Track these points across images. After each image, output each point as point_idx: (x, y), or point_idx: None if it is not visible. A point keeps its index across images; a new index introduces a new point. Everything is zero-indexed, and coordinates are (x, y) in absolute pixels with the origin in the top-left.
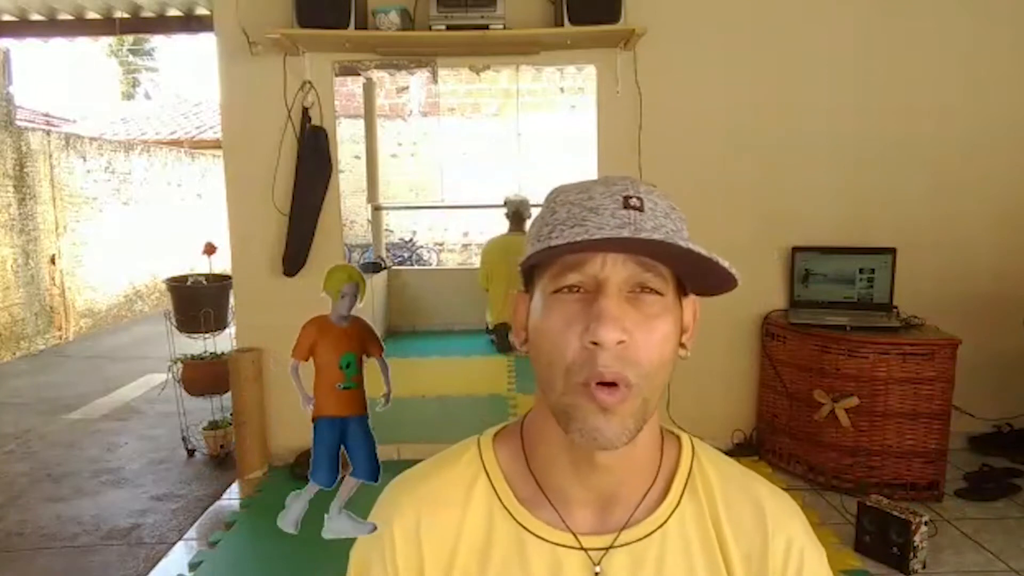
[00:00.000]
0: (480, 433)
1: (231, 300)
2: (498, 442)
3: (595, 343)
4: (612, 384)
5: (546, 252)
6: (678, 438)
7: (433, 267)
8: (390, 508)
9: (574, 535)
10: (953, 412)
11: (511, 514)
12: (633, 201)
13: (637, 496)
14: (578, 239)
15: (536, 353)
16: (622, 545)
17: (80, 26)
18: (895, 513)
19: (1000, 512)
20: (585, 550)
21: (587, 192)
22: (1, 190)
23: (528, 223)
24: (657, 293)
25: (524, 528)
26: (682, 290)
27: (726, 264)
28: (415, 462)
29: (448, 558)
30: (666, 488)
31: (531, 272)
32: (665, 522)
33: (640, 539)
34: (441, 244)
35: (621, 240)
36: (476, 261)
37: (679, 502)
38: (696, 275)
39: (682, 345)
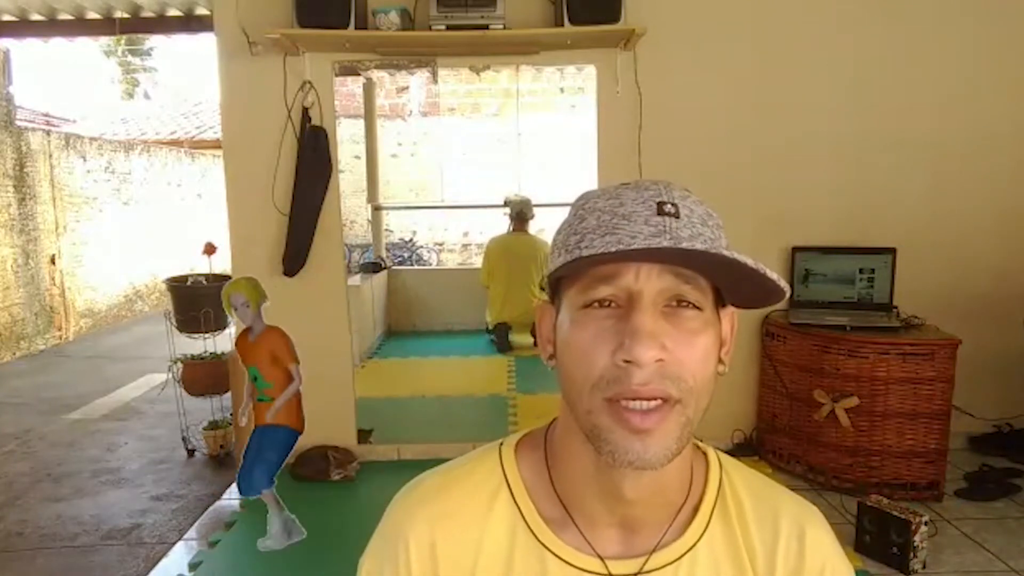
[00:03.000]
0: (498, 439)
1: None
2: (520, 452)
3: (628, 361)
4: (650, 401)
5: (576, 264)
6: (704, 454)
7: (433, 267)
8: (405, 522)
9: (601, 559)
10: (953, 412)
11: (535, 534)
12: (668, 207)
13: (666, 518)
14: (611, 249)
15: (562, 370)
16: (651, 571)
17: (80, 26)
18: (895, 513)
19: (1000, 512)
20: None
21: (617, 198)
22: (1, 190)
23: (531, 223)
24: (696, 307)
25: (548, 550)
26: (720, 301)
27: (774, 276)
28: (415, 462)
29: None
30: (695, 508)
31: (557, 283)
32: (695, 544)
33: (669, 563)
34: (441, 244)
35: (658, 250)
36: (476, 261)
37: (708, 523)
38: (738, 287)
39: (720, 360)
